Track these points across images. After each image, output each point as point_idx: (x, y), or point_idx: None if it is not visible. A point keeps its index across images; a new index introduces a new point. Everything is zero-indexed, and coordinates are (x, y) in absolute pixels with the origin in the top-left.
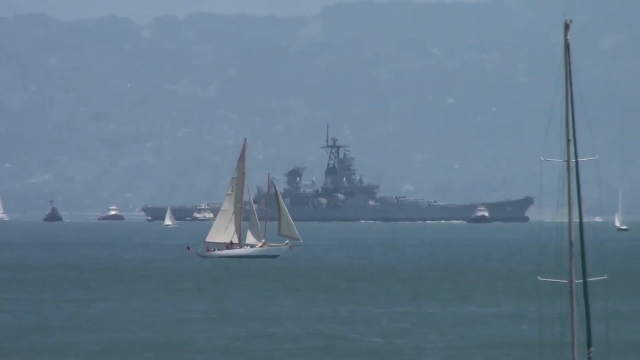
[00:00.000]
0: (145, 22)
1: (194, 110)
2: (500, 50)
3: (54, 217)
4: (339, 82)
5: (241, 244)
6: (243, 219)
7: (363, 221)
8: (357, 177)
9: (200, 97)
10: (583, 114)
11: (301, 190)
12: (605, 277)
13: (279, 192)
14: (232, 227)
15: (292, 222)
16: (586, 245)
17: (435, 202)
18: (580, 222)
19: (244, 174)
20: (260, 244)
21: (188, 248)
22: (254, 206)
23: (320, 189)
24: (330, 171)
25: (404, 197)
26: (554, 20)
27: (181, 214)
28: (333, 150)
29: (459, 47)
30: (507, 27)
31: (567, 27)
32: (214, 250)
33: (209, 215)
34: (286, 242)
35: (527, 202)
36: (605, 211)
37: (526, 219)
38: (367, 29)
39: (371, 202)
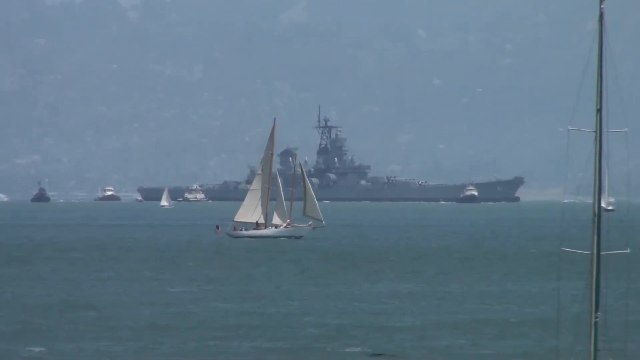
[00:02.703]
0: (131, 4)
1: (180, 92)
2: (485, 31)
3: (41, 197)
4: (324, 64)
5: (267, 224)
6: (270, 198)
7: (355, 202)
8: (349, 158)
9: (186, 78)
10: (615, 84)
11: (293, 170)
12: (628, 250)
13: (305, 174)
14: (260, 207)
15: (317, 204)
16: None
17: (426, 182)
18: (598, 195)
19: (272, 154)
20: (284, 225)
21: (217, 227)
22: (279, 186)
23: (312, 169)
24: (322, 151)
25: (395, 177)
26: (538, 3)
27: (173, 195)
28: (325, 131)
29: (444, 28)
30: (491, 8)
31: None
32: (241, 229)
33: (200, 196)
34: (309, 223)
35: (518, 182)
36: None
37: (517, 199)
38: (352, 10)
39: (362, 182)
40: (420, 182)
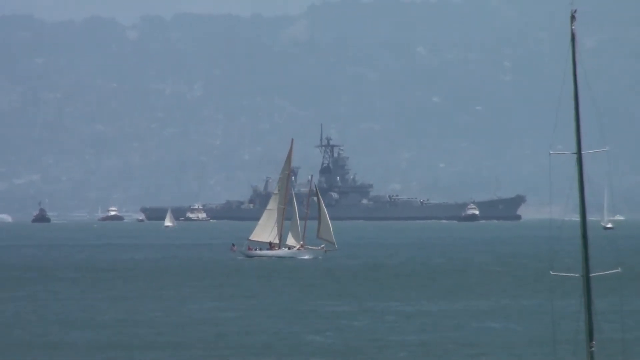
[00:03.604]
0: (131, 23)
1: (180, 110)
2: (485, 49)
3: (42, 218)
4: (324, 81)
5: (281, 244)
6: (285, 218)
7: (355, 221)
8: (351, 177)
9: (186, 96)
10: (593, 106)
11: (296, 189)
12: (619, 270)
13: (320, 196)
14: (275, 227)
15: (331, 226)
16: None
17: (427, 200)
18: (583, 218)
19: (288, 174)
20: (298, 246)
21: (233, 246)
22: (295, 206)
23: (311, 189)
24: (324, 170)
25: (397, 196)
26: (538, 19)
27: (175, 214)
28: (327, 150)
29: (443, 46)
30: (491, 25)
31: (573, 17)
32: (256, 249)
33: (202, 215)
34: (322, 245)
35: (519, 200)
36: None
37: (518, 217)
38: (352, 28)
39: (364, 201)
40: (422, 201)
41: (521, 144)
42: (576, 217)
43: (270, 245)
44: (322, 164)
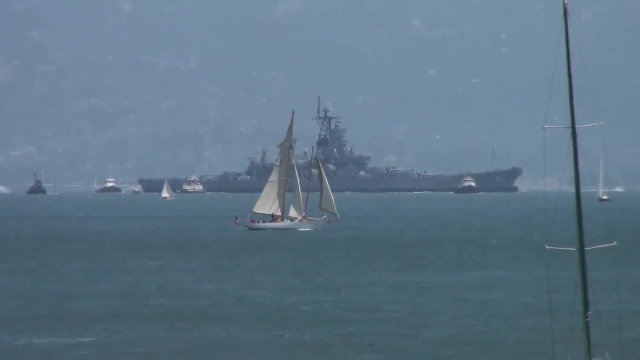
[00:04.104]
0: None
1: (176, 83)
2: (481, 21)
3: (37, 189)
4: (319, 54)
5: (283, 216)
6: (287, 190)
7: (349, 192)
8: (348, 149)
9: (181, 69)
10: (586, 80)
11: (293, 161)
12: (614, 243)
13: (322, 167)
14: (277, 199)
15: (332, 197)
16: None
17: (424, 172)
18: (578, 192)
19: (290, 146)
20: (300, 218)
21: (236, 219)
22: (297, 178)
23: (312, 160)
24: (321, 142)
25: (394, 168)
26: None
27: (172, 186)
28: (324, 122)
29: (439, 18)
30: None
31: None
32: (258, 221)
33: (199, 187)
34: (324, 217)
35: (516, 172)
36: (585, 182)
37: (515, 189)
38: (348, 0)
39: (362, 173)
40: (418, 173)
41: (517, 116)
42: (570, 189)
43: (273, 218)
44: (320, 135)
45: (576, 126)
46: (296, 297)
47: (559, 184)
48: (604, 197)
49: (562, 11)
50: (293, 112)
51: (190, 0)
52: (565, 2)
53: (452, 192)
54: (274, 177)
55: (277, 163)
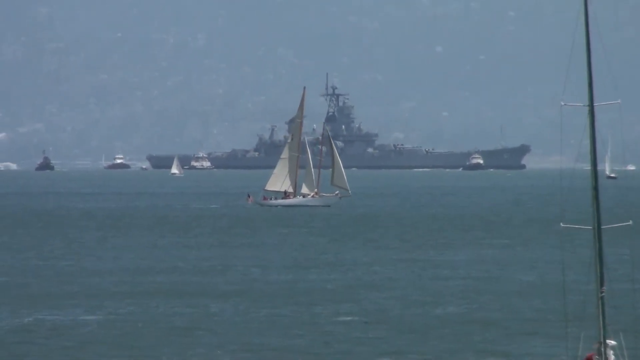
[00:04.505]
0: None
1: (183, 60)
2: None
3: (46, 166)
4: (326, 31)
5: (295, 193)
6: (299, 166)
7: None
8: (356, 125)
9: (189, 46)
10: (604, 57)
11: (301, 137)
12: (630, 222)
13: (333, 143)
14: (289, 176)
15: (344, 173)
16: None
17: (432, 149)
18: (595, 170)
19: (301, 122)
20: (312, 194)
21: (249, 196)
22: (308, 154)
23: (320, 137)
24: (330, 119)
25: (402, 145)
26: None
27: (181, 163)
28: (332, 99)
29: None
30: None
31: None
32: (270, 199)
33: (207, 164)
34: (336, 192)
35: (524, 149)
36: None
37: (523, 167)
38: None
39: (370, 150)
40: (426, 150)
41: (525, 93)
42: (582, 166)
43: (285, 194)
44: (328, 112)
45: (594, 104)
46: (302, 274)
47: (568, 161)
48: (612, 175)
49: None
50: (304, 89)
51: None
52: None
53: (460, 169)
54: (285, 153)
55: (289, 140)
